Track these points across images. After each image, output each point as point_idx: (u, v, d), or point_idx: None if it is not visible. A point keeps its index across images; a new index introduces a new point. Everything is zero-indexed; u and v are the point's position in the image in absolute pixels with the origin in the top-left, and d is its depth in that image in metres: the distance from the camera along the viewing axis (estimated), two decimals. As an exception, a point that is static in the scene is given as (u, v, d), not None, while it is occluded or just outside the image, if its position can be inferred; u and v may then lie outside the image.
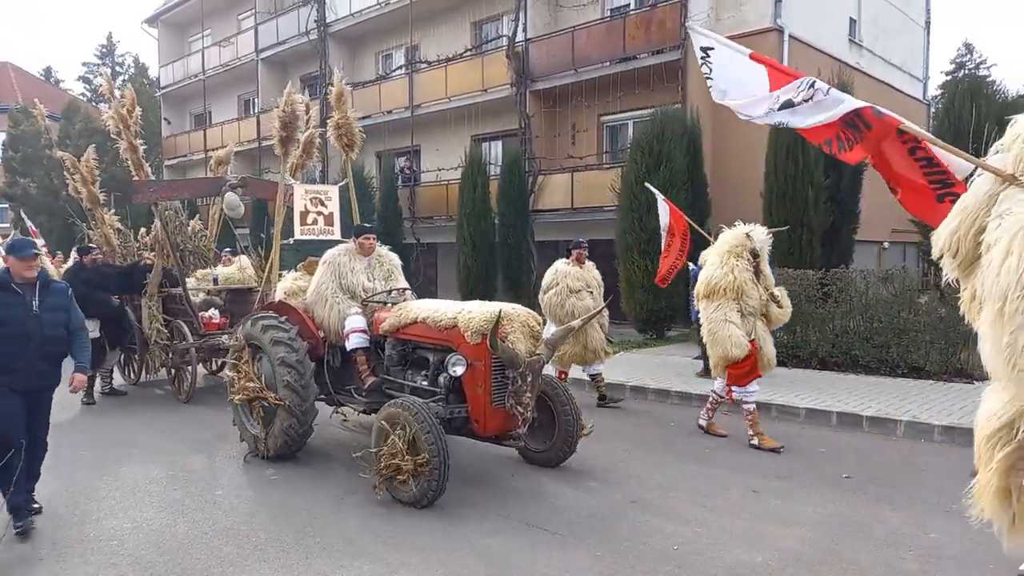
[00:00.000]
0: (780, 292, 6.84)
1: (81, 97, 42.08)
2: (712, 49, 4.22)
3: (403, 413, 4.72)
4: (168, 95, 29.77)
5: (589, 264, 7.88)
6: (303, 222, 7.68)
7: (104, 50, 47.97)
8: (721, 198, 13.57)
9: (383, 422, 4.85)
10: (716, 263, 6.40)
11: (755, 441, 6.25)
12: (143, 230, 10.44)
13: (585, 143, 16.54)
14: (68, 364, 4.68)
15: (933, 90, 23.17)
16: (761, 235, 6.45)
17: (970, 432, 6.36)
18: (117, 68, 47.00)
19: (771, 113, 3.76)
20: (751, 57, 3.95)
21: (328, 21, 21.93)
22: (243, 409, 6.13)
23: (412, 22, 19.24)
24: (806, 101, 3.54)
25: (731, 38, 15.43)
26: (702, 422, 6.80)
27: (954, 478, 5.30)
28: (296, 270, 6.82)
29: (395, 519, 4.61)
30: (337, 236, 7.61)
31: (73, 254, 9.77)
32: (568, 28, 16.24)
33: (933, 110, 19.34)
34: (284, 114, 7.67)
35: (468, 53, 18.67)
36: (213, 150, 26.00)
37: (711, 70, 4.29)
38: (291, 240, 7.49)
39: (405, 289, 6.13)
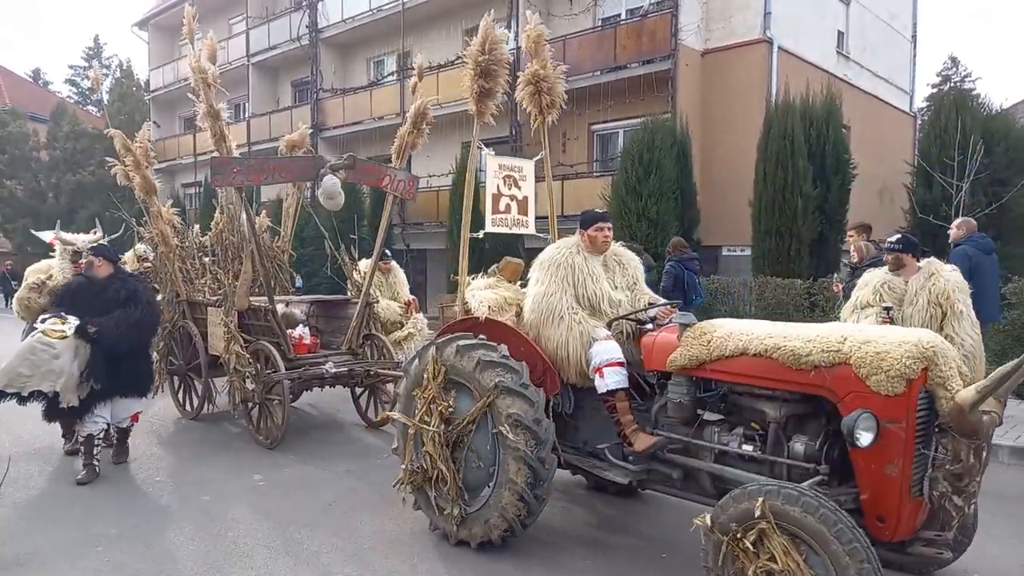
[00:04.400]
0: None
1: (69, 99, 41.86)
2: None
3: (796, 512, 2.80)
4: (157, 98, 29.64)
5: (933, 267, 5.03)
6: (495, 209, 5.62)
7: (91, 52, 47.73)
8: (710, 207, 13.67)
9: (745, 526, 2.94)
10: None
11: None
12: (196, 228, 8.63)
13: (575, 151, 16.61)
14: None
15: (919, 102, 23.45)
16: None
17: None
18: (105, 71, 46.77)
19: None
20: None
21: (320, 27, 21.95)
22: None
23: (404, 29, 19.29)
24: None
25: (721, 49, 15.57)
26: None
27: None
28: (488, 274, 5.26)
29: (383, 525, 4.60)
30: (531, 229, 5.74)
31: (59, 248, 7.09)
32: (560, 37, 16.31)
33: (919, 122, 19.57)
34: (484, 58, 5.09)
35: (459, 60, 18.69)
36: (203, 154, 26.06)
37: None
38: (480, 233, 5.66)
39: (673, 303, 4.37)
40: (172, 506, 4.96)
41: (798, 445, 3.33)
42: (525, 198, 5.72)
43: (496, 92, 5.28)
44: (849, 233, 7.36)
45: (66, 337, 5.23)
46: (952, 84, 30.39)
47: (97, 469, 5.55)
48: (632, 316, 4.18)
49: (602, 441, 4.10)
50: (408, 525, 4.56)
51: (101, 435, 5.64)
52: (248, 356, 6.57)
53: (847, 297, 7.17)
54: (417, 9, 19.18)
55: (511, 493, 3.94)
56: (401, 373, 6.69)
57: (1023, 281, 8.59)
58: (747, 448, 3.51)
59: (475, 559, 4.07)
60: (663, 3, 14.97)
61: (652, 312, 4.20)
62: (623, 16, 16.40)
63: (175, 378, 7.86)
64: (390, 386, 7.26)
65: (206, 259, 8.11)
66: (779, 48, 14.44)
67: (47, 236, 7.00)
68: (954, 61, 33.93)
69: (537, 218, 5.64)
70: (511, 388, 3.94)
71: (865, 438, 2.99)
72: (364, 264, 8.07)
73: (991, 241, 6.97)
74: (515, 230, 5.66)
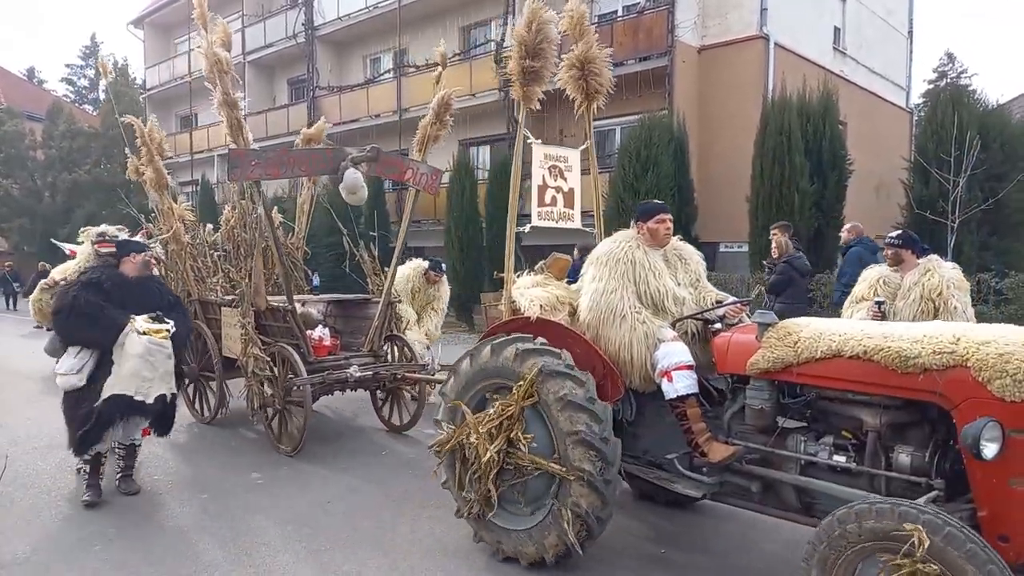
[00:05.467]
0: None
1: (65, 98, 41.74)
2: None
3: (937, 541, 2.52)
4: (153, 97, 29.59)
5: (931, 264, 4.82)
6: (541, 201, 5.15)
7: (87, 51, 47.60)
8: (708, 203, 13.68)
9: (930, 561, 2.55)
10: None
11: None
12: (209, 227, 8.25)
13: (573, 148, 16.63)
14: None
15: (916, 98, 23.49)
16: None
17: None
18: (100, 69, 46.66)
19: None
20: None
21: (316, 24, 21.95)
22: (451, 467, 4.19)
23: (400, 26, 19.28)
24: None
25: (717, 46, 15.55)
26: None
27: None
28: (535, 271, 4.93)
29: (383, 523, 4.61)
30: (577, 223, 5.34)
31: (88, 248, 6.69)
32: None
33: (916, 118, 19.60)
34: (528, 35, 4.50)
35: (456, 58, 18.72)
36: (199, 152, 26.03)
37: None
38: (526, 228, 5.25)
39: (745, 301, 4.03)
40: (171, 505, 4.96)
41: (903, 456, 3.05)
42: (571, 190, 5.31)
43: (545, 76, 4.69)
44: (773, 231, 8.03)
45: (168, 337, 5.01)
46: (948, 80, 30.42)
47: (101, 480, 5.12)
48: (700, 315, 3.90)
49: (665, 450, 3.79)
50: (408, 524, 4.57)
51: (106, 452, 5.13)
52: (267, 359, 6.27)
53: (772, 291, 7.75)
54: (413, 7, 19.17)
55: (536, 551, 3.78)
56: (428, 376, 6.59)
57: (1020, 276, 8.62)
58: (839, 459, 3.22)
59: (479, 560, 4.07)
60: (659, -1, 14.98)
61: (720, 311, 3.91)
62: (619, 13, 16.39)
63: (187, 381, 7.47)
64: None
65: (217, 255, 7.85)
66: (776, 44, 14.46)
67: (66, 247, 6.77)
68: (950, 57, 33.90)
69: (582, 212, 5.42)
70: (593, 483, 3.58)
71: (990, 449, 2.71)
72: (401, 270, 7.68)
73: (877, 244, 7.42)
74: (561, 224, 5.22)
